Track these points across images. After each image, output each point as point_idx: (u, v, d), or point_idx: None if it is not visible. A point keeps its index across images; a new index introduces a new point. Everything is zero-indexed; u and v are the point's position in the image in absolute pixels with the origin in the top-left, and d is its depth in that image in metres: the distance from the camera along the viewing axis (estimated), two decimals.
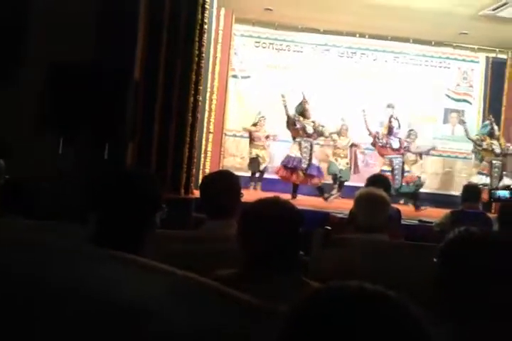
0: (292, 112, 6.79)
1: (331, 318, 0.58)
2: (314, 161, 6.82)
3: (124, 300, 0.88)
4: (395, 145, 7.17)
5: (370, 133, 7.25)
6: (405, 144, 7.22)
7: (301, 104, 6.88)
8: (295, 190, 6.73)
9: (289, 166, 6.67)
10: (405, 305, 0.61)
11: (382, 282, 0.65)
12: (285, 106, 6.73)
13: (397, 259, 1.92)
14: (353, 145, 7.74)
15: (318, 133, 6.87)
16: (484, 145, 7.25)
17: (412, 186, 7.03)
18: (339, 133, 7.65)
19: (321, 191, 6.94)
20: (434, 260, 1.26)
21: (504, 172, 7.17)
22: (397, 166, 7.07)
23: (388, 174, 6.91)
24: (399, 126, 7.26)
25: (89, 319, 0.87)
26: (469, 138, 7.52)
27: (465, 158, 8.39)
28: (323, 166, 8.04)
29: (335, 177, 7.54)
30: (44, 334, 0.87)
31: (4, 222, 1.72)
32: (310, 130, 6.74)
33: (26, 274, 0.90)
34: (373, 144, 7.37)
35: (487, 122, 7.57)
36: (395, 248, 2.09)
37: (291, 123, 6.74)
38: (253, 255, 1.39)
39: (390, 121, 7.27)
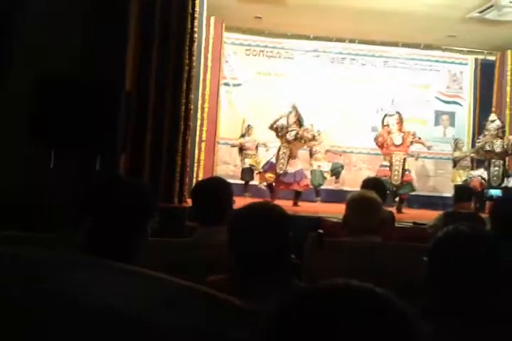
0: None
1: (314, 314, 0.58)
2: (290, 168, 6.82)
3: (112, 308, 0.88)
4: (397, 141, 6.98)
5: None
6: (409, 140, 7.00)
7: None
8: (272, 191, 6.86)
9: (264, 169, 6.97)
10: (391, 299, 0.61)
11: (375, 282, 0.65)
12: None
13: (389, 260, 1.92)
14: (328, 151, 7.77)
15: (299, 139, 6.89)
16: (487, 147, 7.20)
17: (408, 187, 6.98)
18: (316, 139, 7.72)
19: (297, 196, 6.93)
20: (424, 259, 1.27)
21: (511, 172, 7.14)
22: (397, 162, 6.90)
23: (387, 169, 6.92)
24: (401, 121, 7.08)
25: (78, 329, 0.87)
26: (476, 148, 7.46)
27: None
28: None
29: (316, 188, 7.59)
30: None
31: None
32: (291, 137, 6.82)
33: (12, 286, 0.90)
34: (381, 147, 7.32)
35: (494, 117, 7.34)
36: (387, 249, 2.09)
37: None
38: (241, 259, 1.39)
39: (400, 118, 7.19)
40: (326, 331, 0.57)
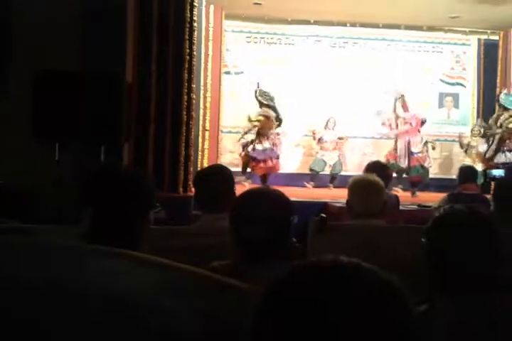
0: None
1: (303, 289, 0.60)
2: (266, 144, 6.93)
3: (118, 294, 0.90)
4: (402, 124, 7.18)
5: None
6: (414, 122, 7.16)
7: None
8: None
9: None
10: (377, 273, 0.63)
11: (378, 265, 0.66)
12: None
13: (392, 242, 1.94)
14: (340, 138, 7.74)
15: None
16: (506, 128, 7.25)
17: (414, 170, 7.01)
18: (325, 127, 7.72)
19: (264, 180, 6.90)
20: (422, 240, 1.29)
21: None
22: (401, 146, 7.03)
23: (395, 153, 7.03)
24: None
25: (85, 316, 0.88)
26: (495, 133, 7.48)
27: None
28: (308, 159, 8.09)
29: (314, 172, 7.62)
30: (45, 334, 0.88)
31: None
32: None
33: (13, 275, 0.91)
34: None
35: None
36: (390, 232, 2.11)
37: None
38: (243, 244, 1.41)
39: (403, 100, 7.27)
40: (315, 305, 0.58)
